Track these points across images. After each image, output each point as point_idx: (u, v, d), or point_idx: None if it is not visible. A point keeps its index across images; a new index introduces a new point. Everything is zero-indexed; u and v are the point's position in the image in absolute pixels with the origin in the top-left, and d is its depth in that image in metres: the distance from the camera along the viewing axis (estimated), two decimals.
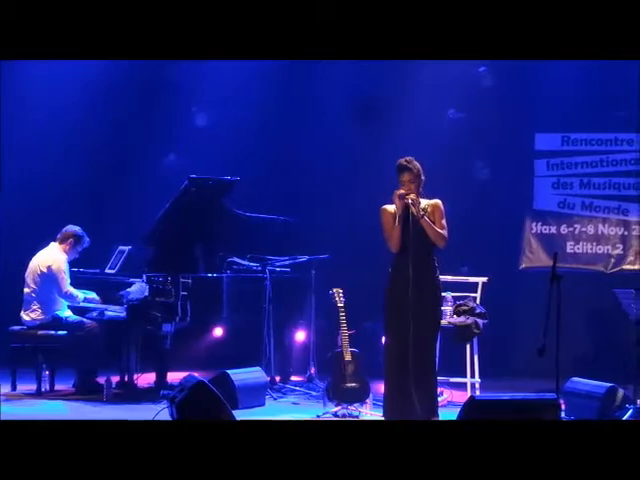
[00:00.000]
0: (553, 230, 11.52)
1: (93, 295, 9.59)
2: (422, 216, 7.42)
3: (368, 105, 11.40)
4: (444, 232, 7.51)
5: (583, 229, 11.43)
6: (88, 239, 9.70)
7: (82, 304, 9.53)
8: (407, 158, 7.52)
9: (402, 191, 7.41)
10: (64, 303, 9.53)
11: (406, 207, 7.41)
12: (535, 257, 11.53)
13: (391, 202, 7.50)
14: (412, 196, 7.39)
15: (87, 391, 9.27)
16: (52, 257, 9.53)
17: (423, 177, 7.54)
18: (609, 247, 11.33)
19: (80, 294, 9.50)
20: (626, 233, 11.26)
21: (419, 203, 7.44)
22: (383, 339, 7.65)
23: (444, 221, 7.55)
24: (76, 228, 9.68)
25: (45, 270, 9.47)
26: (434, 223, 7.48)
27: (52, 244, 9.66)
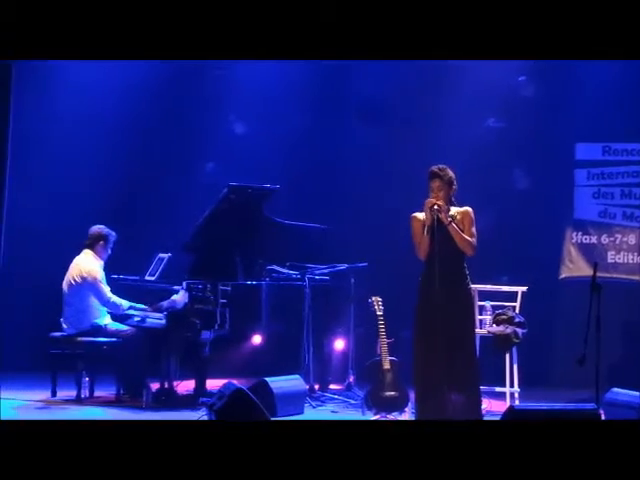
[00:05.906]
0: (594, 240, 11.44)
1: (142, 307, 9.52)
2: (450, 222, 7.39)
3: (407, 114, 11.41)
4: (473, 240, 7.46)
5: (624, 239, 11.35)
6: (114, 233, 9.61)
7: (128, 312, 9.51)
8: (440, 166, 7.52)
9: (434, 200, 7.38)
10: (103, 311, 9.49)
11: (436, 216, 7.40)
12: (575, 267, 11.46)
13: (421, 210, 7.50)
14: (439, 202, 7.37)
15: (131, 397, 9.29)
16: (86, 267, 9.43)
17: (455, 186, 7.53)
18: None
19: (124, 302, 9.46)
20: None
21: (446, 210, 7.41)
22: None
23: (474, 229, 7.51)
24: (100, 227, 9.60)
25: (80, 280, 9.40)
26: (463, 231, 7.46)
27: (85, 251, 9.54)
